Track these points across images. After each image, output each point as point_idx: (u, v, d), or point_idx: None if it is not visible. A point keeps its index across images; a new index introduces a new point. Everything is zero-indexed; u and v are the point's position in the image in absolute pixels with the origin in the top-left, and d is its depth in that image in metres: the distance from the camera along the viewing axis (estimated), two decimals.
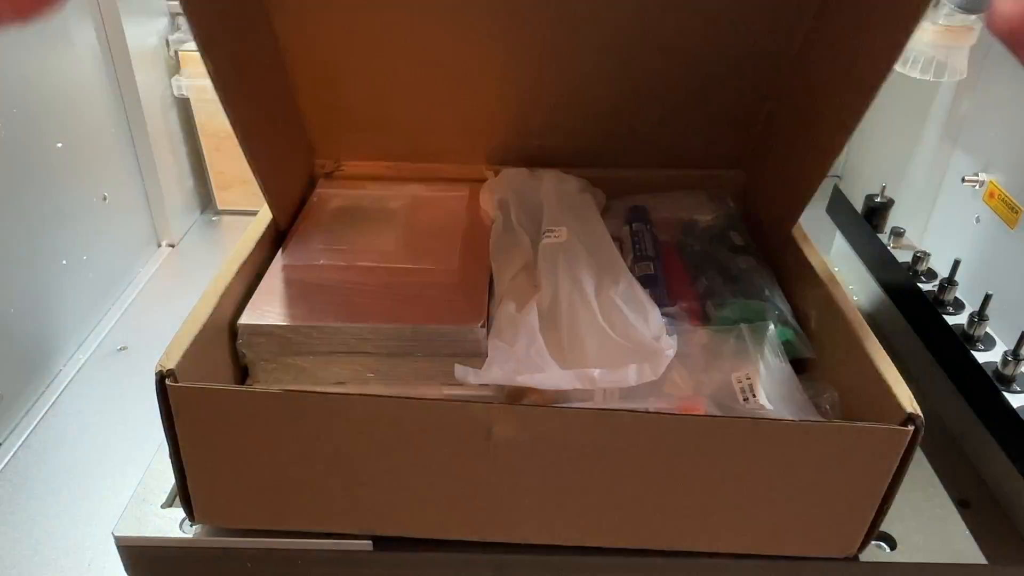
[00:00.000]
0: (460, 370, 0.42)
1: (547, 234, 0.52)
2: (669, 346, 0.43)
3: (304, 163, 0.62)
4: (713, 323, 0.48)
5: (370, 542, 0.41)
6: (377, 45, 0.59)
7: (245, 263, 0.47)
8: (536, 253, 0.52)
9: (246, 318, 0.45)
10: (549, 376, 0.42)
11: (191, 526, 0.41)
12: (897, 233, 0.67)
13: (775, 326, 0.47)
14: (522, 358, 0.43)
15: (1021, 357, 0.49)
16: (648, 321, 0.45)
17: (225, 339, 0.44)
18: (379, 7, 0.57)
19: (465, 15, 0.58)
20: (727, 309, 0.48)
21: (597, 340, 0.43)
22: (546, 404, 0.43)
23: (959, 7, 0.55)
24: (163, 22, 0.79)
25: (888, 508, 0.38)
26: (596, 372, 0.42)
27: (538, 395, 0.43)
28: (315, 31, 0.55)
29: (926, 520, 0.44)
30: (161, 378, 0.36)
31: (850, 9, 0.48)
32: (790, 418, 0.39)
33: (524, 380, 0.42)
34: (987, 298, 0.53)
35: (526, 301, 0.47)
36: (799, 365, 0.48)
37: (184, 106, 0.82)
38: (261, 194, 0.52)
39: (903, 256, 0.64)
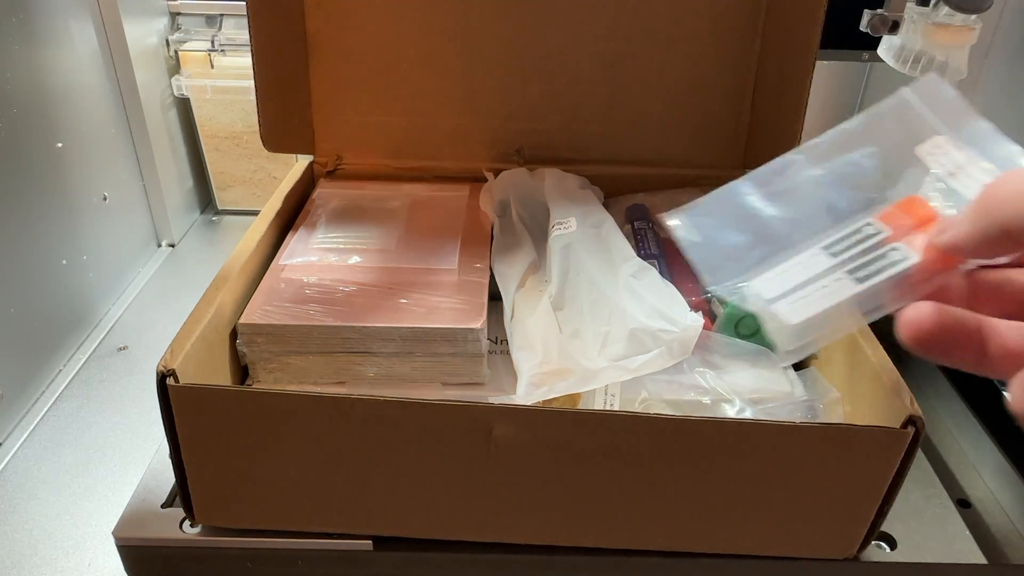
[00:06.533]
0: (496, 400, 0.41)
1: (557, 226, 0.52)
2: (696, 320, 0.42)
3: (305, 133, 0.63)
4: (720, 318, 0.48)
5: (370, 542, 0.41)
6: (378, 45, 0.59)
7: (245, 263, 0.47)
8: (542, 249, 0.52)
9: (246, 318, 0.45)
10: (587, 377, 0.41)
11: (191, 526, 0.41)
12: None
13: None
14: (552, 367, 0.42)
15: None
16: (670, 299, 0.45)
17: (225, 339, 0.44)
18: (382, 8, 0.58)
19: (466, 16, 0.58)
20: (732, 303, 0.48)
21: (622, 325, 0.43)
22: (573, 402, 0.42)
23: (958, 7, 0.55)
24: (163, 22, 0.79)
25: (888, 510, 0.38)
26: (630, 361, 0.41)
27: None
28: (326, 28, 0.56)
29: (926, 520, 0.44)
30: (162, 378, 0.36)
31: None
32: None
33: (565, 388, 0.41)
34: None
35: (538, 305, 0.47)
36: (799, 364, 0.48)
37: (184, 106, 0.82)
38: (261, 188, 0.52)
39: None
